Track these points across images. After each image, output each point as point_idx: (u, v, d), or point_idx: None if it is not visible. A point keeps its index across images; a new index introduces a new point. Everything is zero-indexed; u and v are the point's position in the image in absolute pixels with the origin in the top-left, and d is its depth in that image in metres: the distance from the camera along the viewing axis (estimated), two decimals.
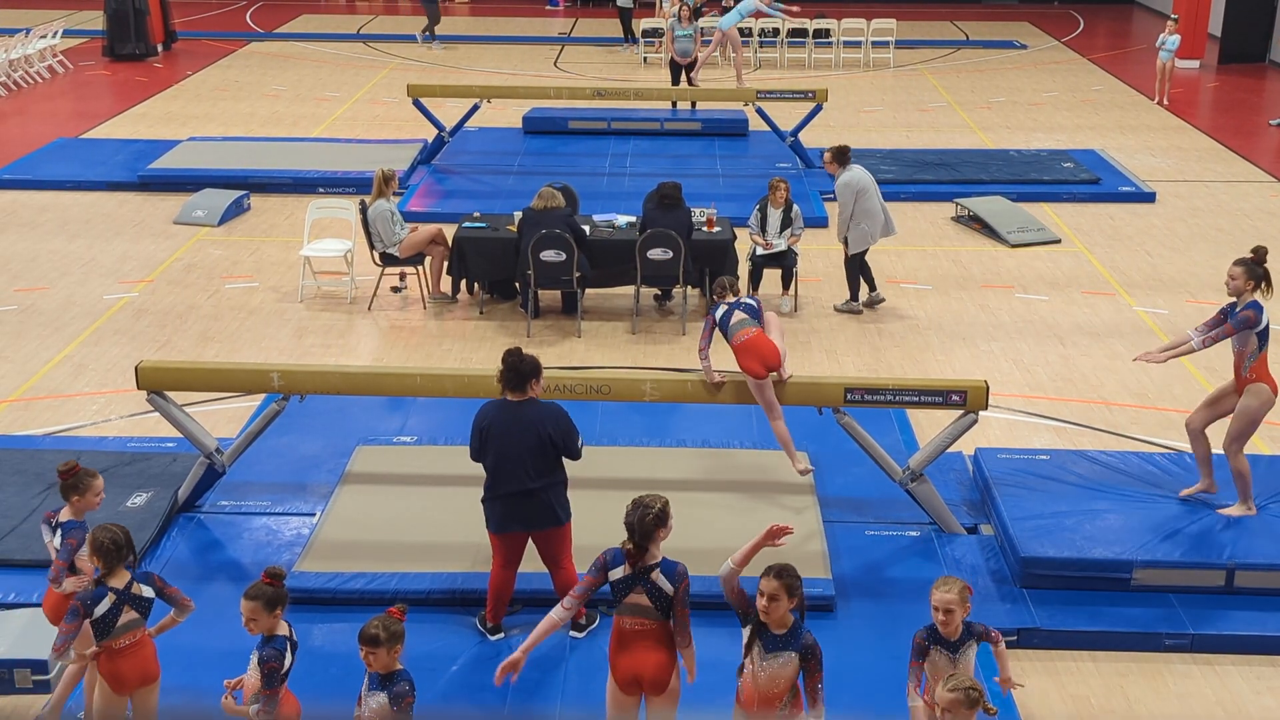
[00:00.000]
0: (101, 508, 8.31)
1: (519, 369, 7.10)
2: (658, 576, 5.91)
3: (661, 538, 5.98)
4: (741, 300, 8.72)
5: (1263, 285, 8.06)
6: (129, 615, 6.02)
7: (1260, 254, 8.09)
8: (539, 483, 7.11)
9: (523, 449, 7.05)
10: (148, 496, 8.53)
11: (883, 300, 12.42)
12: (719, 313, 8.64)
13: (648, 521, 5.91)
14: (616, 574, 5.96)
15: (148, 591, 6.10)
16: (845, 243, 12.18)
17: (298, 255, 13.13)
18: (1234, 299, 8.06)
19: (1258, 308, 7.99)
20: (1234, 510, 8.23)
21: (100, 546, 6.00)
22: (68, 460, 6.73)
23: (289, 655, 5.81)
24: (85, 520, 6.60)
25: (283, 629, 5.85)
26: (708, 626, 7.51)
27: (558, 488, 7.23)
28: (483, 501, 7.28)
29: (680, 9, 19.56)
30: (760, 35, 24.70)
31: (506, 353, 7.17)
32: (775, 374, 8.25)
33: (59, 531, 6.57)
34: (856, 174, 12.10)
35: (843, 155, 12.10)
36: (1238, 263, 8.07)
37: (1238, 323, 8.00)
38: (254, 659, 5.81)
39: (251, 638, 5.86)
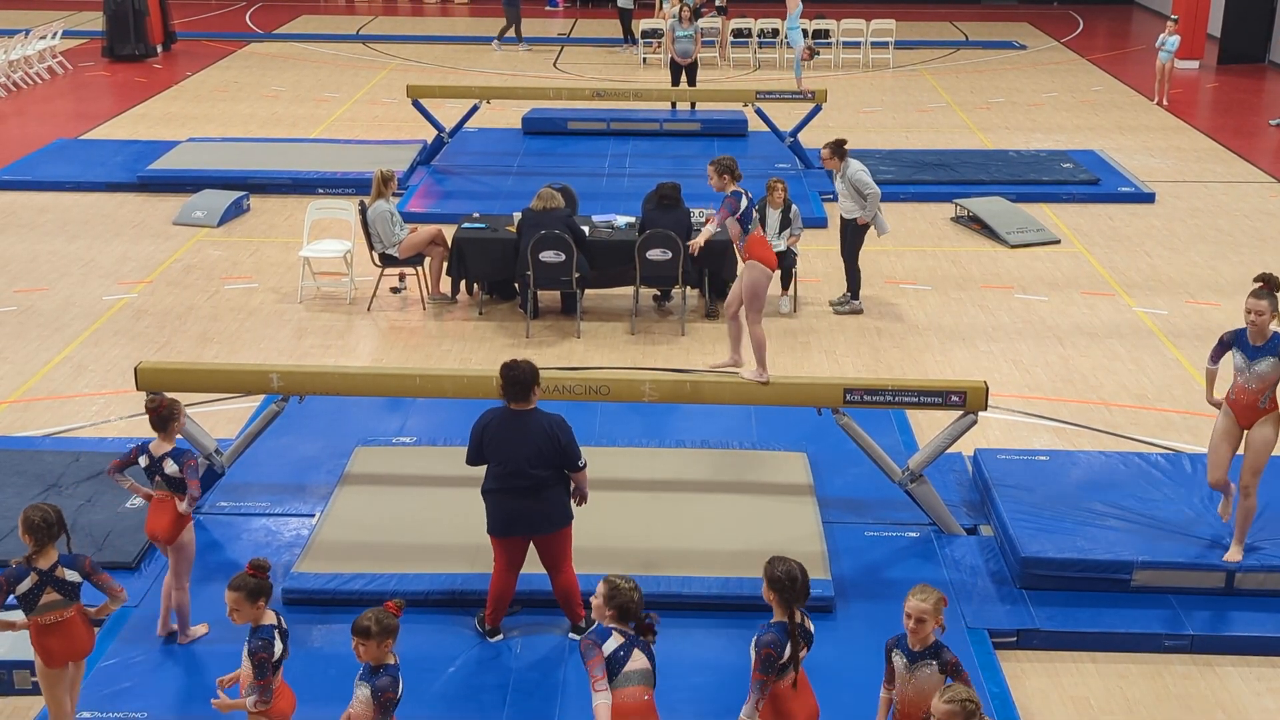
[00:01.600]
0: (99, 509, 8.36)
1: (520, 379, 7.07)
2: (649, 640, 5.79)
3: None
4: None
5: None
6: (51, 596, 6.20)
7: (1274, 281, 7.61)
8: (545, 487, 7.10)
9: (529, 454, 7.05)
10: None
11: (860, 310, 12.37)
12: (743, 204, 8.28)
13: (637, 600, 5.74)
14: (610, 647, 5.65)
15: (73, 576, 6.25)
16: (860, 227, 12.07)
17: (297, 256, 13.13)
18: (1248, 329, 7.56)
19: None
20: (1232, 554, 7.81)
21: (31, 525, 6.18)
22: (151, 397, 7.20)
23: (278, 643, 5.83)
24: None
25: (269, 618, 5.86)
26: (707, 628, 7.53)
27: (561, 491, 7.21)
28: (486, 505, 7.26)
29: (681, 10, 19.56)
30: (760, 36, 24.70)
31: (504, 366, 7.13)
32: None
33: (170, 461, 6.99)
34: (858, 162, 12.10)
35: (841, 148, 12.01)
36: (1260, 296, 7.50)
37: None
38: (245, 651, 5.83)
39: (242, 637, 5.89)
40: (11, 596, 6.19)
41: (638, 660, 5.67)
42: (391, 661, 5.65)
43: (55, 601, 6.22)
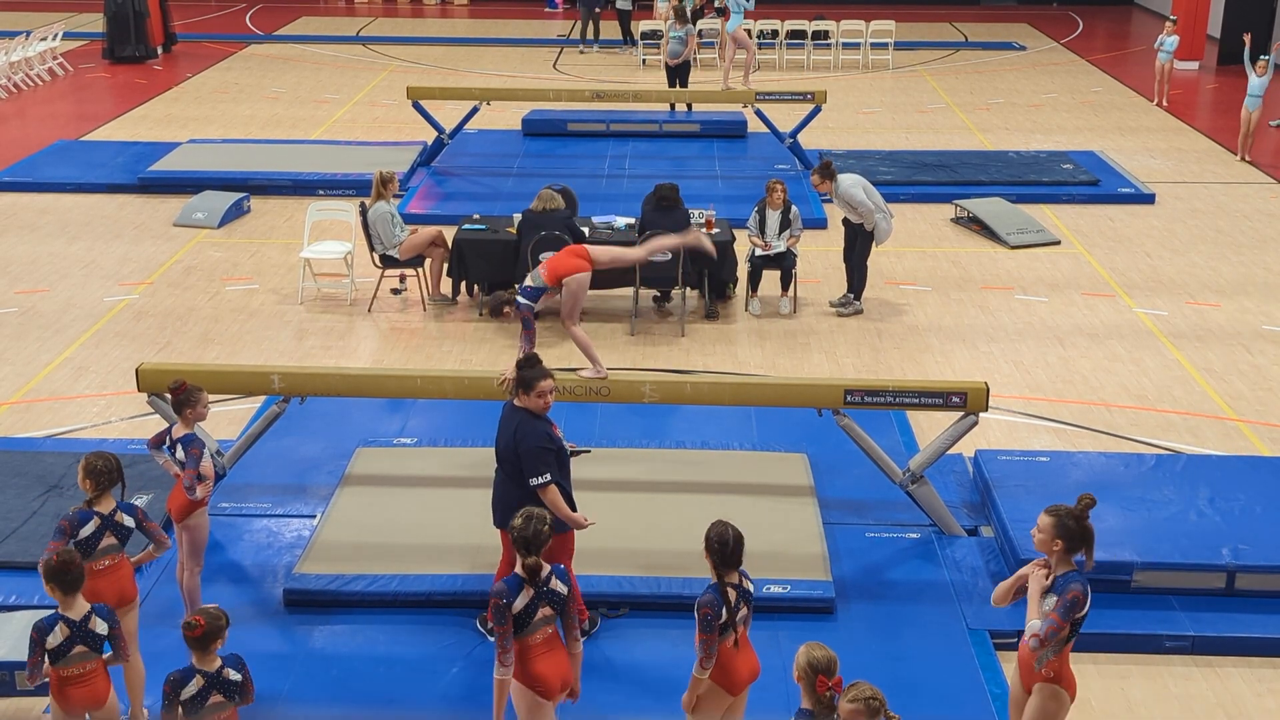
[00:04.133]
0: None
1: (519, 376, 7.07)
2: (555, 583, 5.87)
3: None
4: None
5: (1084, 549, 5.82)
6: (109, 540, 6.45)
7: (1085, 506, 5.86)
8: (510, 487, 7.03)
9: (500, 447, 7.07)
10: (148, 498, 8.53)
11: (860, 310, 12.37)
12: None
13: (545, 534, 5.83)
14: (519, 605, 5.77)
15: (129, 521, 6.52)
16: (871, 233, 12.08)
17: (298, 257, 13.13)
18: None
19: (1083, 582, 5.77)
20: None
21: (93, 470, 6.44)
22: (175, 379, 7.24)
23: (58, 633, 5.80)
24: (196, 430, 7.22)
25: (71, 610, 5.85)
26: None
27: (528, 496, 6.95)
28: None
29: (672, 10, 19.57)
30: (759, 36, 24.71)
31: (526, 357, 7.12)
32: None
33: (179, 446, 7.10)
34: (850, 176, 12.10)
35: (828, 170, 11.97)
36: (1049, 511, 5.85)
37: (1064, 609, 5.68)
38: None
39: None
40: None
41: (544, 610, 5.84)
42: (200, 666, 5.65)
43: (112, 546, 6.47)
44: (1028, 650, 5.84)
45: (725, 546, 5.80)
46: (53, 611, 5.90)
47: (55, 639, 5.82)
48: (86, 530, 6.41)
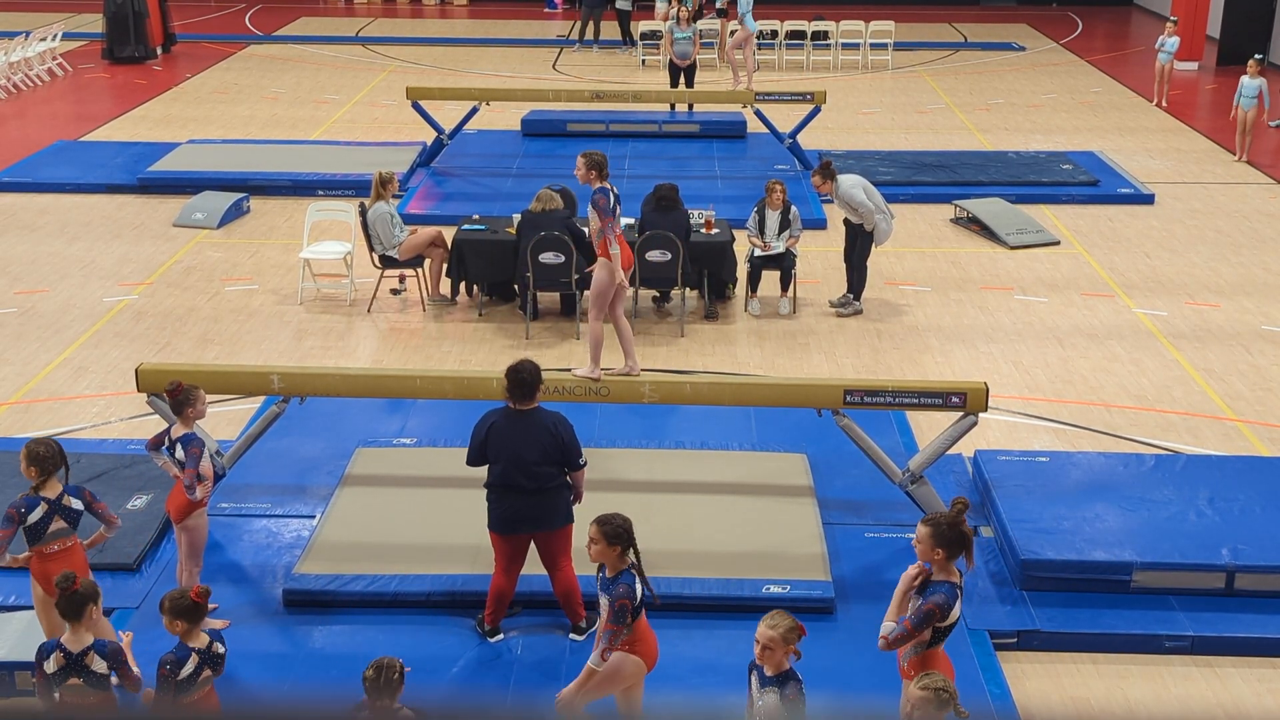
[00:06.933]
0: None
1: (526, 381, 7.13)
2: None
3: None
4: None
5: (964, 553, 5.93)
6: (58, 524, 6.60)
7: (959, 510, 6.01)
8: (550, 484, 7.20)
9: (534, 453, 7.12)
10: (148, 499, 8.54)
11: (860, 311, 12.37)
12: (611, 201, 8.69)
13: (396, 680, 5.78)
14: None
15: (77, 504, 6.66)
16: (871, 234, 12.09)
17: (297, 258, 13.13)
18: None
19: (950, 593, 5.83)
20: None
21: (36, 456, 6.57)
22: (171, 380, 7.37)
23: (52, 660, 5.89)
24: (195, 430, 7.31)
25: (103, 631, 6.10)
26: (707, 630, 7.54)
27: (563, 489, 7.30)
28: (489, 502, 7.29)
29: (679, 11, 19.58)
30: (758, 37, 24.68)
31: (509, 369, 7.19)
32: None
33: (179, 445, 7.20)
34: (851, 177, 12.10)
35: (829, 170, 11.98)
36: (925, 522, 5.98)
37: (918, 619, 5.78)
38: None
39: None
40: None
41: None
42: (191, 644, 5.81)
43: (61, 530, 6.61)
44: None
45: (630, 532, 6.13)
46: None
47: (52, 665, 5.90)
48: (34, 516, 6.55)
